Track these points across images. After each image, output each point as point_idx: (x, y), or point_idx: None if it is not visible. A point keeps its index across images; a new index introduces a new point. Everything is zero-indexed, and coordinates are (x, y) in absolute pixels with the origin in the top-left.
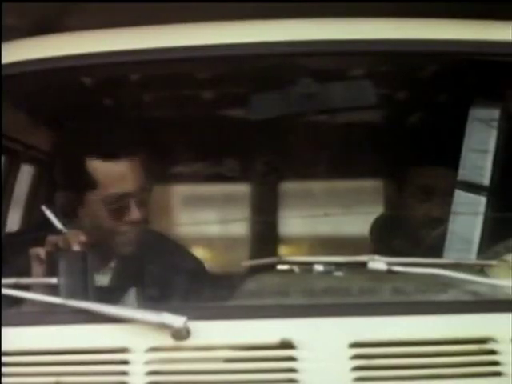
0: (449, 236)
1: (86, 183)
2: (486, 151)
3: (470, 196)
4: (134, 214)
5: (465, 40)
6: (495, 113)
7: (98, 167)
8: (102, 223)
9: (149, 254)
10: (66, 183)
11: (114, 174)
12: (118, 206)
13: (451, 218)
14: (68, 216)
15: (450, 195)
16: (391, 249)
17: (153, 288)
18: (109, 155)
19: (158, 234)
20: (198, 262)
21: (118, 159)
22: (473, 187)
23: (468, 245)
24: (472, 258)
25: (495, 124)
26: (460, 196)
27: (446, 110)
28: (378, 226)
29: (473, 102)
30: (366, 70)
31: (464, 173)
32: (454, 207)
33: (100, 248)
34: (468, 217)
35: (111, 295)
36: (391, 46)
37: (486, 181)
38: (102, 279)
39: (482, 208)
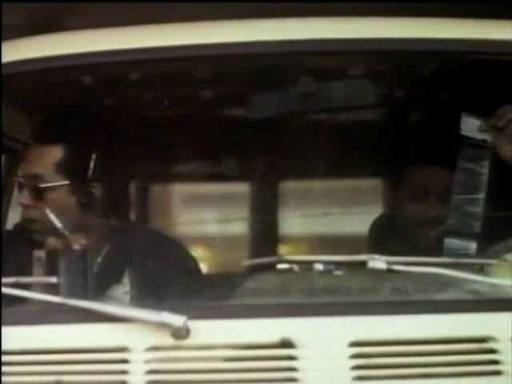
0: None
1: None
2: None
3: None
4: (24, 197)
5: (465, 39)
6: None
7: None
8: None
9: (143, 252)
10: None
11: (33, 155)
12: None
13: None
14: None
15: (449, 195)
16: (390, 250)
17: (147, 286)
18: (41, 137)
19: (153, 231)
20: (192, 261)
21: (44, 143)
22: (469, 189)
23: (465, 245)
24: (470, 257)
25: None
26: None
27: (445, 110)
28: (377, 228)
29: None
30: (366, 69)
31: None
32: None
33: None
34: (465, 217)
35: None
36: (390, 45)
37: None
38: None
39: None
